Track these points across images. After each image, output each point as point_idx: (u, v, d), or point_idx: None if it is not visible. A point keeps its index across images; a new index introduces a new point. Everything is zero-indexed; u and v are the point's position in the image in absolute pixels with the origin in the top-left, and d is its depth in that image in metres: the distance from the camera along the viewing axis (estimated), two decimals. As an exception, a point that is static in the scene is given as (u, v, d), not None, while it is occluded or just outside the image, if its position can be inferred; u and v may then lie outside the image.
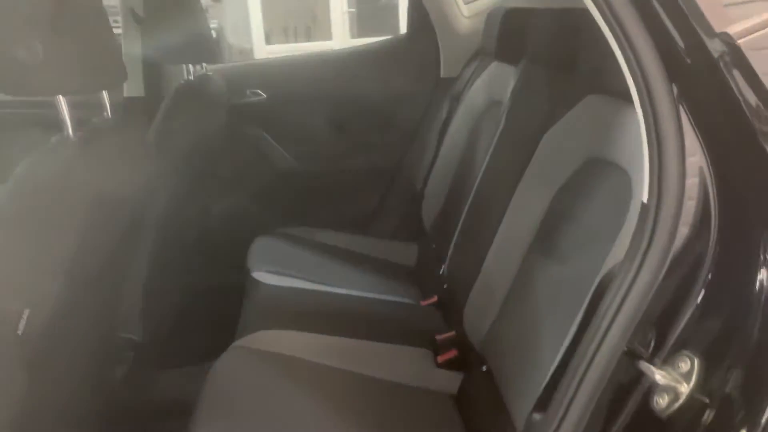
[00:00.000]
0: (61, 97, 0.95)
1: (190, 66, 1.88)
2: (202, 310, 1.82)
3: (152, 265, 1.62)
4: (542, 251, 1.22)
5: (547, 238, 1.21)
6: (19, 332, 0.81)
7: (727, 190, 0.69)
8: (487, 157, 1.59)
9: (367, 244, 2.09)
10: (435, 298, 1.76)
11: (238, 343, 1.37)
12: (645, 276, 0.74)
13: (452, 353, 1.46)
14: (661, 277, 0.74)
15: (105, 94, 1.13)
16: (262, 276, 1.72)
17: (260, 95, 2.17)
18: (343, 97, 2.22)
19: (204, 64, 1.98)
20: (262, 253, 1.84)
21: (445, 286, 1.70)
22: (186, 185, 1.84)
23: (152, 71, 2.02)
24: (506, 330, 1.25)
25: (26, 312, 0.82)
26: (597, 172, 1.12)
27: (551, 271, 1.16)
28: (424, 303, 1.77)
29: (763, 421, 0.66)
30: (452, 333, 1.52)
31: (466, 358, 1.42)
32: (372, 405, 1.25)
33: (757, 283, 0.64)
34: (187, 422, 1.11)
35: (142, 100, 2.04)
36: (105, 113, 1.14)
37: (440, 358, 1.45)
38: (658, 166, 0.71)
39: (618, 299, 0.76)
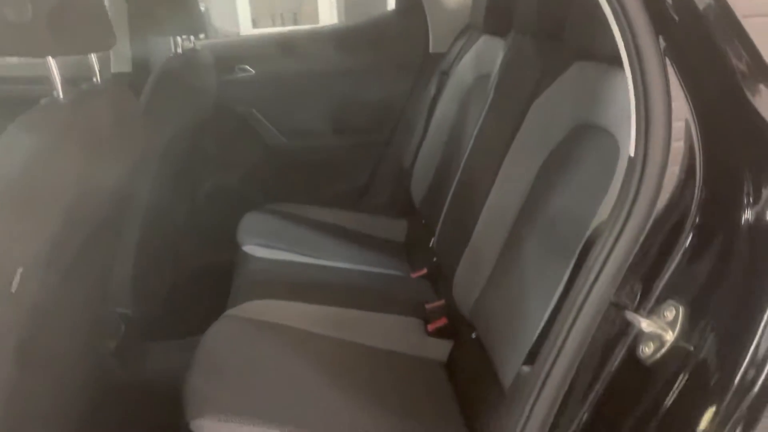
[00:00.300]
0: (50, 58, 0.94)
1: (178, 39, 1.86)
2: (193, 284, 1.82)
3: (143, 240, 1.62)
4: (530, 217, 1.23)
5: (535, 204, 1.23)
6: (13, 290, 0.81)
7: (711, 137, 0.70)
8: (476, 130, 1.60)
9: (357, 220, 2.09)
10: (424, 270, 1.77)
11: (230, 312, 1.38)
12: (632, 227, 0.76)
13: (442, 321, 1.47)
14: (648, 227, 0.76)
15: (94, 59, 1.13)
16: (252, 249, 1.73)
17: (249, 71, 2.16)
18: (331, 73, 2.21)
19: (192, 39, 1.97)
20: (252, 228, 1.84)
21: (434, 260, 1.72)
22: (175, 160, 1.84)
23: (139, 46, 2.01)
24: (495, 296, 1.27)
25: (20, 270, 0.82)
26: (585, 138, 1.13)
27: (539, 236, 1.17)
28: (413, 275, 1.79)
29: (745, 364, 0.68)
30: (442, 302, 1.54)
31: (456, 327, 1.44)
32: (363, 370, 1.26)
33: (743, 225, 0.65)
34: (178, 392, 1.11)
35: (129, 75, 2.03)
36: (94, 79, 1.14)
37: (430, 327, 1.47)
38: (645, 119, 0.73)
39: (605, 252, 0.78)
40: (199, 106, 1.95)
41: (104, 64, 1.98)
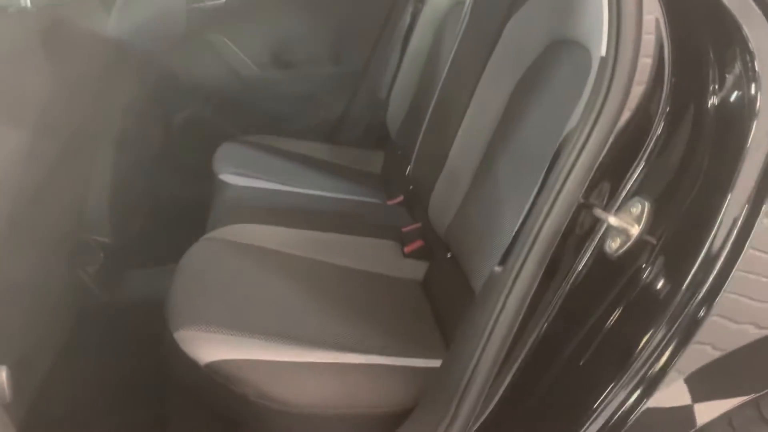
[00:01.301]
0: None
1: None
2: (171, 214, 1.82)
3: (118, 169, 1.61)
4: (505, 135, 1.25)
5: (510, 122, 1.25)
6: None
7: (679, 29, 0.72)
8: (451, 56, 1.60)
9: (332, 152, 2.10)
10: (401, 198, 1.80)
11: (209, 235, 1.39)
12: (602, 127, 0.78)
13: (418, 243, 1.51)
14: (618, 126, 0.78)
15: None
16: (229, 178, 1.72)
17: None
18: (304, 1, 2.17)
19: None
20: (228, 157, 1.84)
21: (410, 187, 1.74)
22: (148, 86, 1.80)
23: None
24: (470, 213, 1.30)
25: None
26: (559, 54, 1.14)
27: (513, 152, 1.19)
28: (390, 202, 1.81)
29: (702, 254, 0.72)
30: (418, 225, 1.57)
31: (432, 248, 1.48)
32: (342, 288, 1.29)
33: (709, 110, 0.68)
34: (158, 315, 1.13)
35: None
36: (60, -8, 1.10)
37: (407, 249, 1.50)
38: (617, 15, 0.74)
39: (575, 153, 0.80)
40: (169, 32, 1.90)
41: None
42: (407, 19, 2.11)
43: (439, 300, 1.35)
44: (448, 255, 1.36)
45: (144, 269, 1.71)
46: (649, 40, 0.74)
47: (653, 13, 0.75)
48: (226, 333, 1.03)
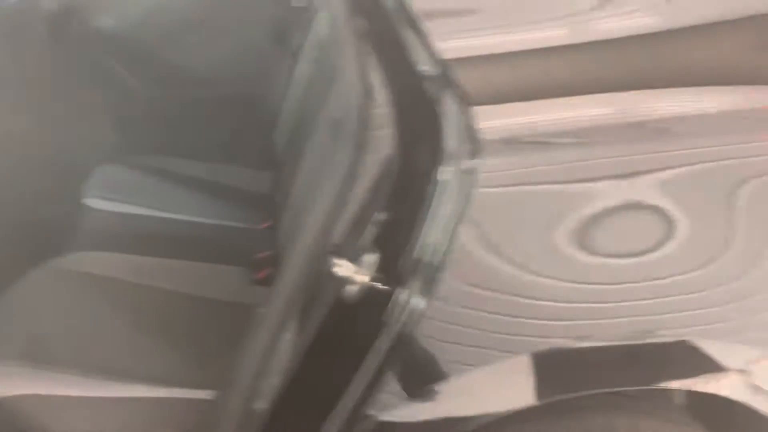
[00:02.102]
0: None
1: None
2: (33, 239, 1.81)
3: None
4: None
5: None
6: None
7: (403, 119, 0.78)
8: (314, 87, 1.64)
9: (219, 172, 2.11)
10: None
11: (49, 263, 1.39)
12: (334, 185, 0.84)
13: (269, 270, 1.54)
14: (352, 185, 0.83)
15: None
16: (94, 202, 1.73)
17: (108, 21, 2.12)
18: (195, 22, 2.19)
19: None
20: (100, 180, 1.84)
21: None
22: (24, 110, 1.81)
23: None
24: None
25: None
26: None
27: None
28: (263, 226, 1.84)
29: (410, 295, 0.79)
30: (271, 252, 1.60)
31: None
32: (170, 319, 1.32)
33: (427, 184, 0.75)
34: None
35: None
36: None
37: (258, 275, 1.53)
38: (343, 83, 0.79)
39: (313, 208, 0.86)
40: (53, 55, 1.90)
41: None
42: (295, 43, 2.15)
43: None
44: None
45: None
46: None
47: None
48: (23, 367, 1.05)
